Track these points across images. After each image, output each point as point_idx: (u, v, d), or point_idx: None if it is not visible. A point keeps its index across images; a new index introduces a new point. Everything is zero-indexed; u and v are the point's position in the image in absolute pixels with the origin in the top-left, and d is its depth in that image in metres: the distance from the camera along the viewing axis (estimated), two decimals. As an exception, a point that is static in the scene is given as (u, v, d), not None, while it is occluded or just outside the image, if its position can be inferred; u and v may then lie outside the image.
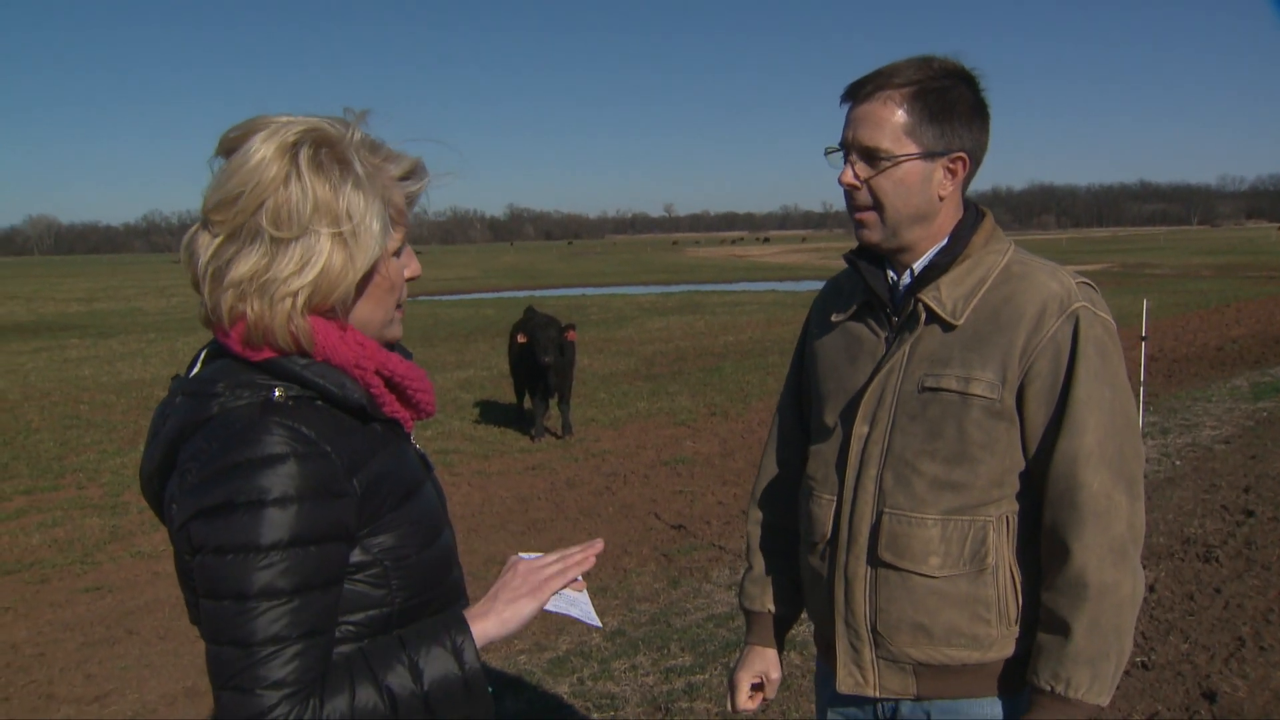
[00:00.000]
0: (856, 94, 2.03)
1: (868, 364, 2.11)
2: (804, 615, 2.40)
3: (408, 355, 1.79)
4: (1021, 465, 2.02)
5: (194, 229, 1.55)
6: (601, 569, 6.91)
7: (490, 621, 1.62)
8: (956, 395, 1.98)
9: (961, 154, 2.02)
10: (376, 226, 1.54)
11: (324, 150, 1.52)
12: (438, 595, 1.65)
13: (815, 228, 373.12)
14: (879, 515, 2.06)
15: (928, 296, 2.03)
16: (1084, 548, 1.93)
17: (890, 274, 2.13)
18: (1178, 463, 9.01)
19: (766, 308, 28.73)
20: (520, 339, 11.34)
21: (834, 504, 2.13)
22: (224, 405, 1.49)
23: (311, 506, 1.43)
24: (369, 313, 1.62)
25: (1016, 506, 2.04)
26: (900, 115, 1.98)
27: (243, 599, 1.40)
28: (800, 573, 2.30)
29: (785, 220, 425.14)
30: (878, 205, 2.03)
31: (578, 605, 1.75)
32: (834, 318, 2.22)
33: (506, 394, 13.58)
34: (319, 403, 1.53)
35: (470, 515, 8.40)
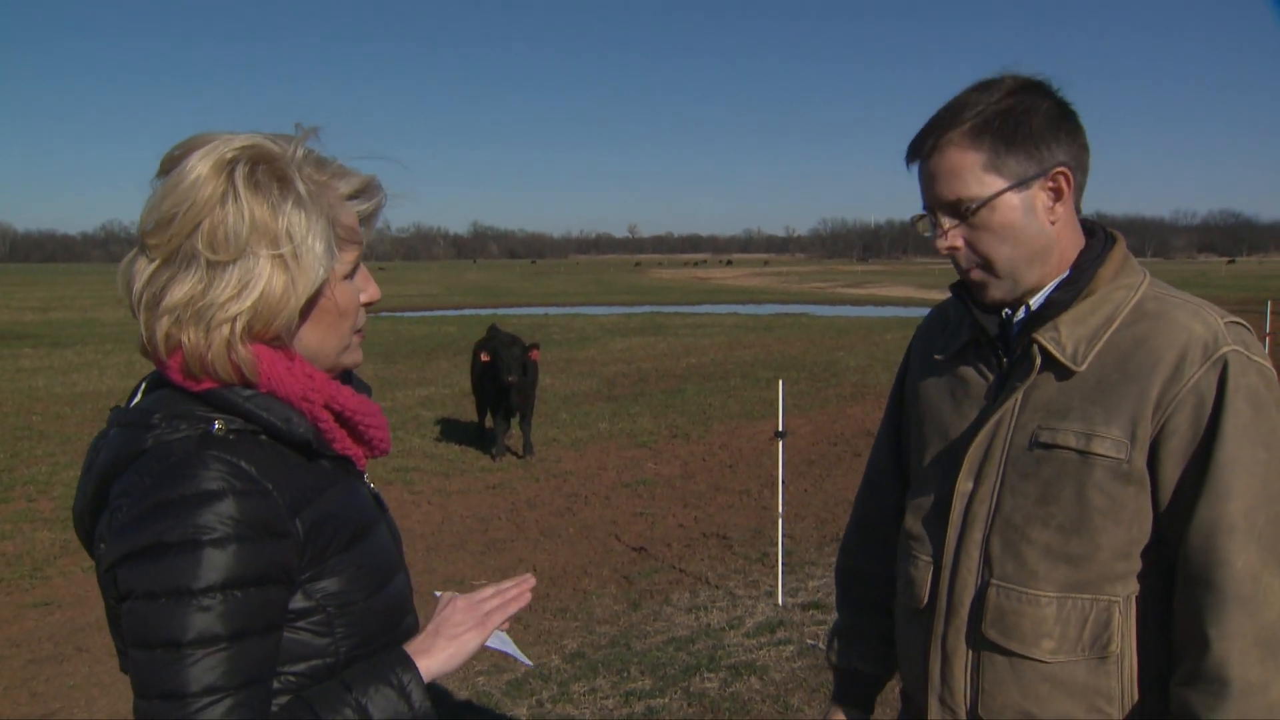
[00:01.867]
0: (921, 150, 1.79)
1: (973, 410, 1.87)
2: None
3: (365, 389, 1.71)
4: (1149, 536, 1.73)
5: (131, 254, 1.47)
6: (561, 590, 6.87)
7: (435, 658, 1.53)
8: (1075, 454, 1.71)
9: (1060, 168, 1.75)
10: (320, 248, 1.45)
11: (262, 167, 1.44)
12: (387, 644, 1.54)
13: (778, 251, 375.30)
14: (984, 585, 1.80)
15: (1044, 337, 1.76)
16: (1224, 637, 1.62)
17: (1005, 309, 1.87)
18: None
19: (729, 330, 28.77)
20: (484, 357, 11.29)
21: (932, 567, 1.89)
22: (159, 438, 1.40)
23: (250, 547, 1.34)
24: (320, 340, 1.53)
25: (1144, 585, 1.75)
26: (973, 155, 1.73)
27: (175, 647, 1.30)
28: (895, 633, 2.07)
29: (748, 244, 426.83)
30: (985, 261, 1.78)
31: (508, 644, 1.71)
32: (937, 356, 1.98)
33: (468, 412, 13.50)
34: (262, 437, 1.45)
35: (430, 534, 8.32)
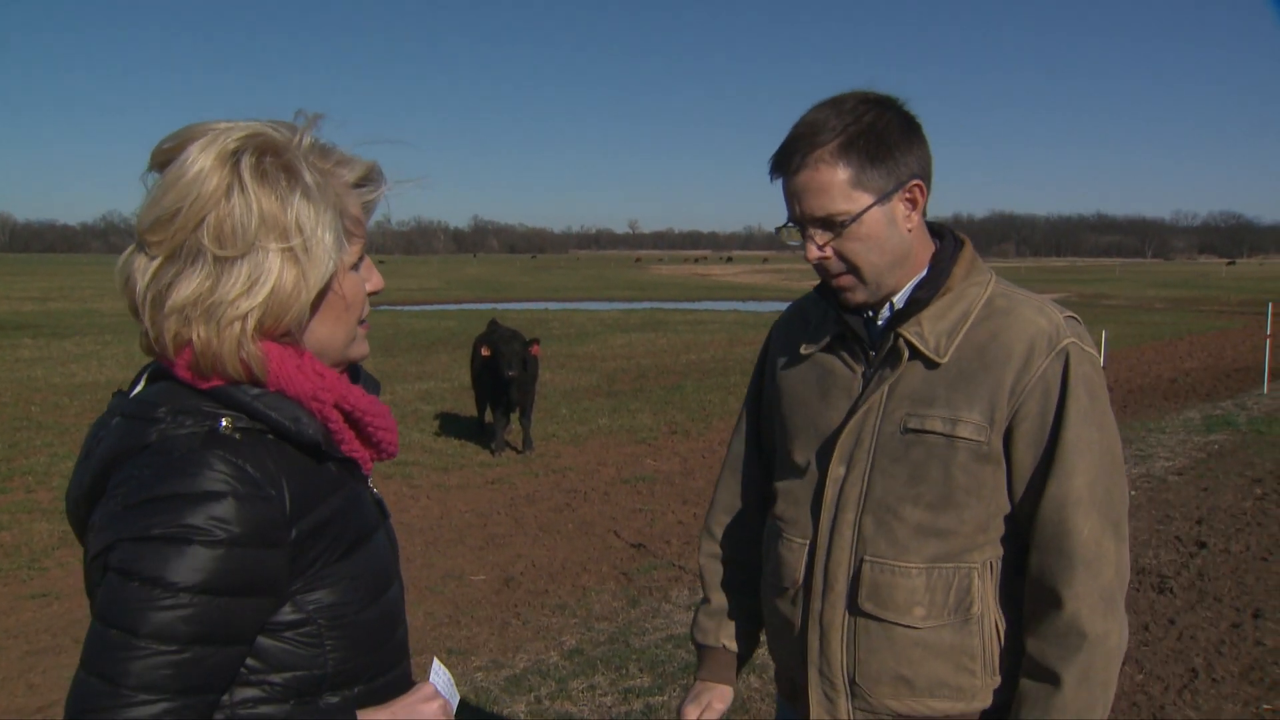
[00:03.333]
0: (786, 167, 1.91)
1: (842, 401, 2.00)
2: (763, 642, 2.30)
3: (375, 385, 1.67)
4: (1006, 509, 1.93)
5: (129, 251, 1.42)
6: (560, 586, 6.87)
7: None
8: (942, 438, 1.89)
9: (915, 181, 1.91)
10: (330, 239, 1.42)
11: (269, 158, 1.40)
12: (378, 657, 1.52)
13: (778, 249, 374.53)
14: (859, 563, 1.94)
15: (909, 332, 1.92)
16: (1075, 596, 1.84)
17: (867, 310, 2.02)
18: (1133, 493, 9.07)
19: (729, 327, 28.80)
20: (484, 352, 11.28)
21: (807, 548, 2.02)
22: (164, 432, 1.37)
23: (239, 554, 1.30)
24: (329, 333, 1.50)
25: (1000, 551, 1.95)
26: (840, 172, 1.86)
27: (131, 633, 1.26)
28: (764, 614, 2.19)
29: (748, 240, 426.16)
30: (853, 268, 1.92)
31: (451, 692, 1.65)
32: (803, 349, 2.09)
33: (467, 407, 13.49)
34: (270, 437, 1.41)
35: (428, 529, 8.32)
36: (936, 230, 2.04)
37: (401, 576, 1.64)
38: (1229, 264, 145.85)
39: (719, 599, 2.31)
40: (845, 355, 2.02)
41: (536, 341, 11.66)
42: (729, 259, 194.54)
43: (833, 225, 1.89)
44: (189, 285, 1.37)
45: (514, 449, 11.55)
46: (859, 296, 1.95)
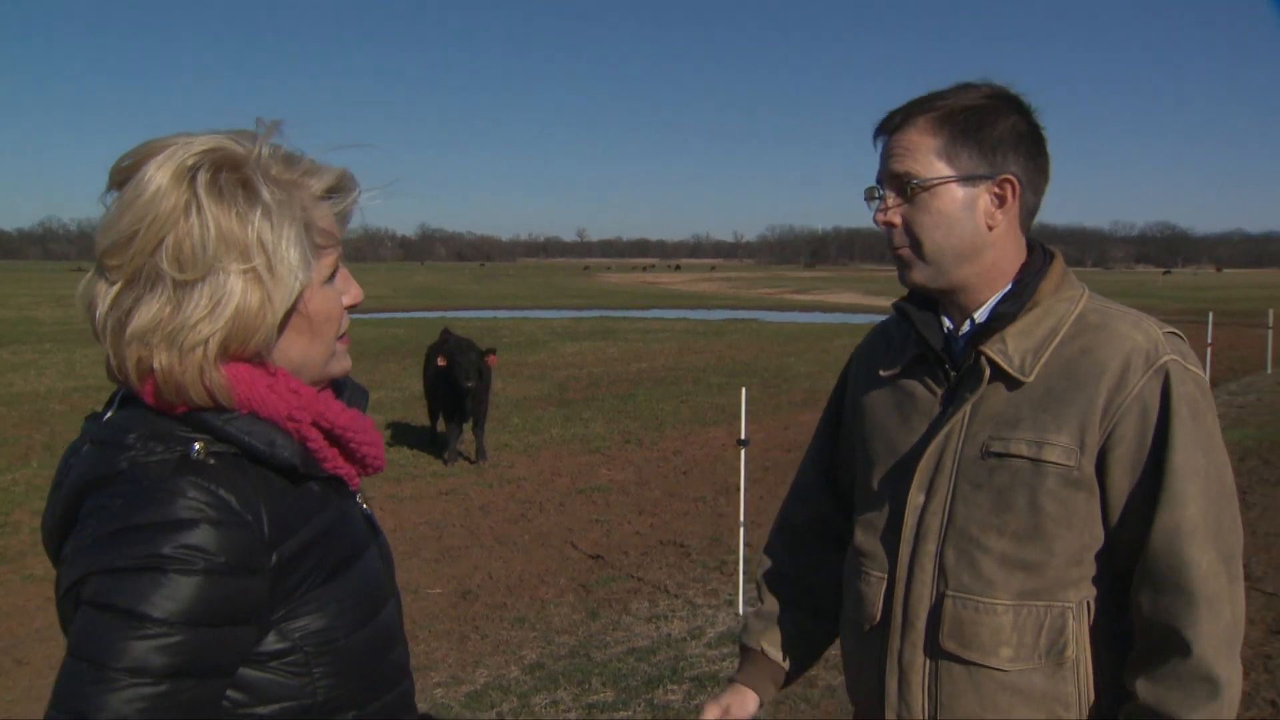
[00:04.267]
0: (888, 126, 1.84)
1: (922, 425, 1.87)
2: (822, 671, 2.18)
3: (362, 396, 1.61)
4: (1100, 542, 1.76)
5: (89, 276, 1.36)
6: (518, 600, 6.78)
7: None
8: (1027, 462, 1.73)
9: (1009, 177, 1.78)
10: (295, 256, 1.35)
11: (225, 173, 1.33)
12: (371, 682, 1.45)
13: (726, 257, 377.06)
14: (939, 597, 1.80)
15: (991, 349, 1.78)
16: (1200, 637, 1.65)
17: (946, 323, 1.89)
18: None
19: (679, 335, 28.80)
20: (440, 362, 11.16)
21: (885, 582, 1.88)
22: (134, 460, 1.31)
23: (218, 583, 1.25)
24: (304, 351, 1.43)
25: (1095, 591, 1.78)
26: (931, 139, 1.77)
27: (103, 667, 1.20)
28: (842, 654, 2.06)
29: (696, 249, 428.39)
30: (914, 241, 1.80)
31: None
32: (882, 372, 1.97)
33: (419, 416, 13.36)
34: (245, 461, 1.35)
35: (382, 541, 8.17)
36: (1028, 245, 1.90)
37: (399, 594, 1.59)
38: (1165, 273, 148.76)
39: (771, 604, 2.19)
40: (926, 377, 1.90)
41: (493, 351, 11.58)
42: (677, 267, 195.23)
43: (906, 188, 1.79)
44: (149, 310, 1.31)
45: (467, 459, 11.44)
46: (915, 276, 1.83)
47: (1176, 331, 1.79)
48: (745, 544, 6.71)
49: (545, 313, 42.11)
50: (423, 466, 11.17)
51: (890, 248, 1.85)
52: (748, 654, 2.17)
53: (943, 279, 1.82)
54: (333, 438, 1.45)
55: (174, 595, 1.22)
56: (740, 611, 6.27)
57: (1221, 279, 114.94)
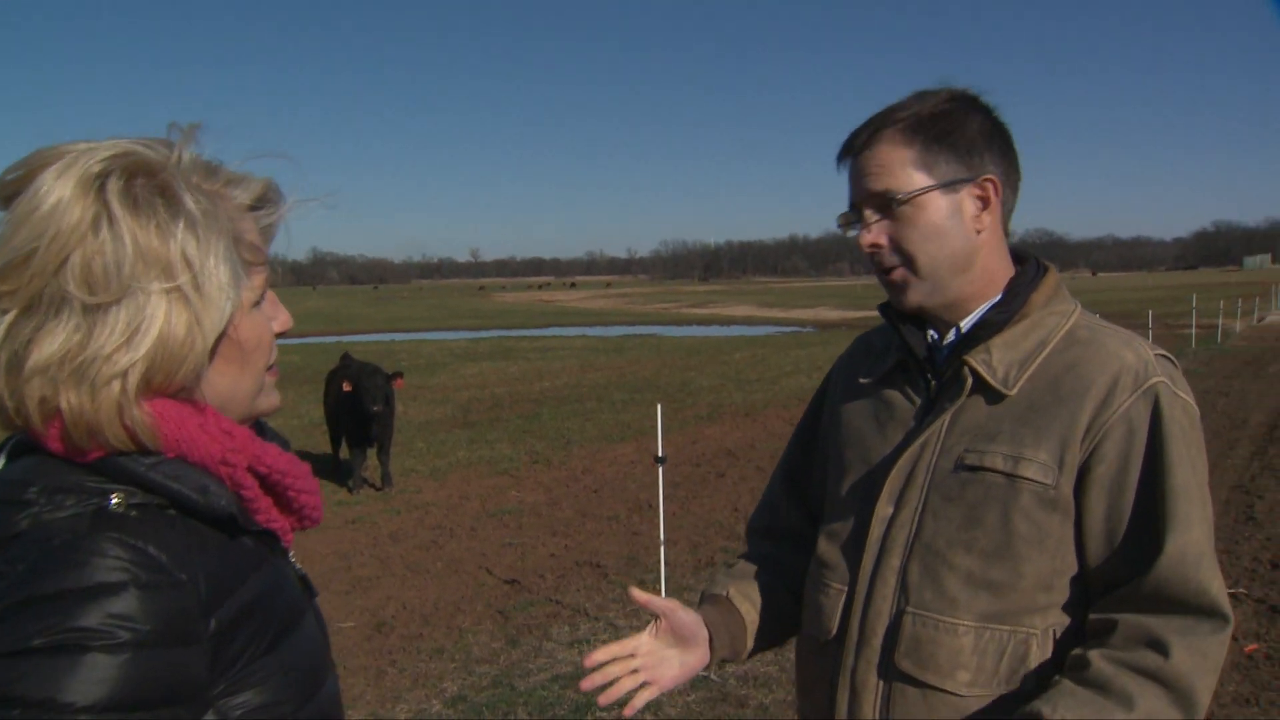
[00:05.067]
0: (854, 145, 1.75)
1: (897, 434, 1.79)
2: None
3: (283, 445, 1.41)
4: (1073, 569, 1.66)
5: None
6: (435, 630, 6.59)
7: None
8: (1002, 477, 1.65)
9: (990, 177, 1.72)
10: (225, 274, 1.18)
11: (140, 180, 1.16)
12: None
13: (620, 273, 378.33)
14: (899, 614, 1.70)
15: (975, 359, 1.71)
16: (1193, 652, 1.55)
17: (931, 332, 1.81)
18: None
19: (579, 353, 28.79)
20: (345, 386, 10.87)
21: (844, 595, 1.79)
22: (38, 517, 1.11)
23: (151, 657, 1.06)
24: (233, 383, 1.26)
25: (1066, 620, 1.67)
26: (904, 149, 1.70)
27: None
28: (796, 667, 1.98)
29: (591, 266, 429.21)
30: (907, 259, 1.72)
31: None
32: (863, 380, 1.89)
33: (319, 444, 13.03)
34: (171, 512, 1.16)
35: (289, 575, 7.90)
36: (1019, 255, 1.84)
37: (335, 668, 1.41)
38: (1085, 276, 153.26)
39: (746, 566, 2.04)
40: (907, 386, 1.82)
41: (400, 375, 11.35)
42: (573, 285, 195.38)
43: (888, 205, 1.70)
44: (53, 341, 1.13)
45: (372, 486, 11.18)
46: (914, 296, 1.74)
47: (1168, 355, 1.73)
48: (665, 562, 6.64)
49: (443, 334, 41.78)
50: (326, 496, 10.71)
51: (879, 271, 1.77)
52: (711, 599, 1.96)
53: (940, 294, 1.74)
54: (268, 485, 1.28)
55: (98, 677, 1.03)
56: (664, 631, 6.17)
57: (1097, 283, 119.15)
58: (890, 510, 1.75)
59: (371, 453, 11.31)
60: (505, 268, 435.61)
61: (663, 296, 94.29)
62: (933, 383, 1.78)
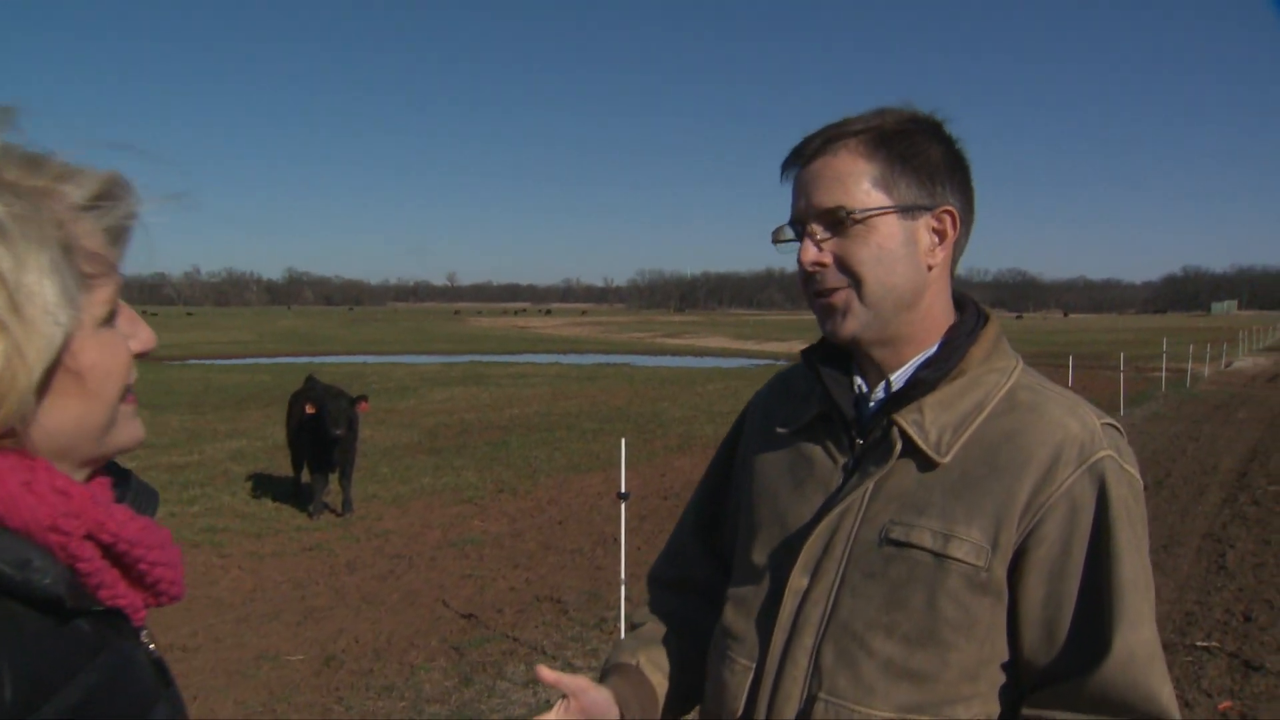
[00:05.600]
0: (802, 153, 1.58)
1: (817, 496, 1.61)
2: None
3: (150, 499, 1.19)
4: (1004, 656, 1.51)
5: None
6: (386, 665, 6.39)
7: None
8: (930, 555, 1.48)
9: (949, 208, 1.57)
10: (52, 291, 0.97)
11: None
12: None
13: (596, 301, 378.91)
14: (810, 700, 1.52)
15: (906, 420, 1.53)
16: None
17: (859, 382, 1.63)
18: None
19: (551, 380, 28.60)
20: (308, 409, 10.67)
21: (751, 673, 1.61)
22: None
23: None
24: (77, 420, 1.04)
25: (995, 710, 1.51)
26: (864, 164, 1.54)
27: None
28: None
29: (567, 293, 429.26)
30: (854, 281, 1.54)
31: None
32: (780, 429, 1.71)
33: (282, 467, 12.80)
34: None
35: (240, 603, 7.69)
36: (958, 301, 1.67)
37: None
38: (1017, 318, 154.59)
39: (653, 629, 1.85)
40: (829, 441, 1.63)
41: (364, 398, 11.15)
42: (548, 311, 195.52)
43: (839, 222, 1.53)
44: None
45: (333, 512, 10.95)
46: (851, 325, 1.56)
47: (1114, 424, 1.56)
48: (626, 599, 6.48)
49: (415, 358, 41.52)
50: (285, 520, 10.65)
51: (816, 295, 1.58)
52: (620, 670, 1.78)
53: (879, 328, 1.57)
54: (115, 555, 1.07)
55: None
56: (621, 673, 5.99)
57: (1068, 323, 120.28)
58: (805, 582, 1.57)
59: (333, 478, 11.10)
60: (482, 292, 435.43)
61: (638, 326, 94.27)
62: (858, 441, 1.60)
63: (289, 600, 7.83)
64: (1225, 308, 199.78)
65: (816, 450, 1.64)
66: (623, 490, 6.24)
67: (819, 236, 1.55)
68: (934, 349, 1.59)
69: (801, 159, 1.59)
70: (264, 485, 12.43)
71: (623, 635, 5.98)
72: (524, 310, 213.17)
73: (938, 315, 1.60)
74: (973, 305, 1.65)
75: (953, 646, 1.48)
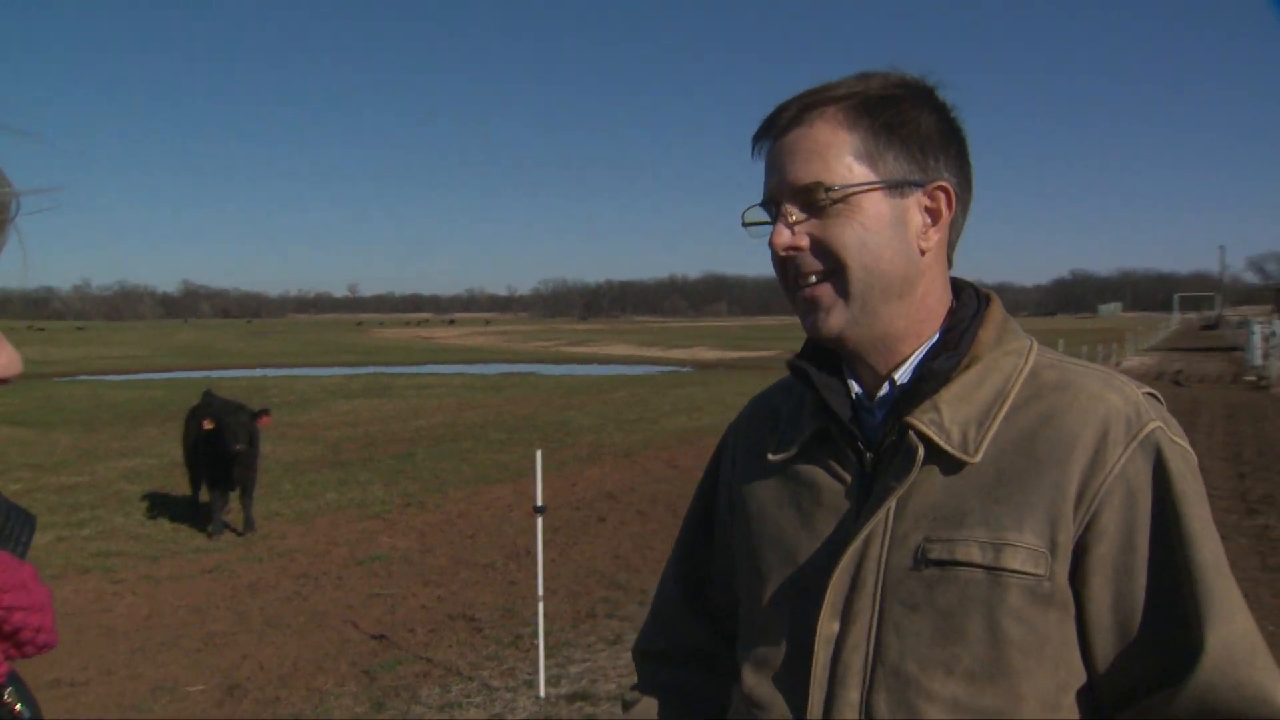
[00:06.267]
0: (774, 125, 1.40)
1: (829, 525, 1.39)
2: None
3: (24, 525, 0.99)
4: (1082, 677, 1.30)
5: None
6: (292, 692, 6.10)
7: None
8: (982, 571, 1.27)
9: (943, 184, 1.39)
10: None
11: None
12: None
13: (500, 310, 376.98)
14: None
15: (922, 421, 1.34)
16: None
17: (855, 387, 1.44)
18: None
19: (457, 391, 28.30)
20: (206, 425, 10.26)
21: None
22: None
23: None
24: None
25: None
26: (845, 134, 1.35)
27: None
28: None
29: (470, 303, 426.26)
30: (835, 268, 1.35)
31: None
32: (771, 456, 1.49)
33: (179, 485, 12.34)
34: None
35: (135, 631, 7.31)
36: (955, 285, 1.48)
37: None
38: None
39: (645, 705, 1.67)
40: (832, 461, 1.42)
41: (267, 413, 10.77)
42: (452, 321, 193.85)
43: (816, 201, 1.34)
44: None
45: (234, 531, 10.54)
46: (835, 320, 1.37)
47: (1154, 393, 1.38)
48: (543, 615, 6.28)
49: (317, 370, 40.83)
50: (183, 542, 10.22)
51: (792, 285, 1.40)
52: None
53: (867, 323, 1.38)
54: None
55: None
56: (542, 694, 5.79)
57: None
58: (836, 627, 1.35)
59: (234, 495, 10.70)
60: (384, 303, 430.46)
61: (542, 334, 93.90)
62: (867, 455, 1.40)
63: (188, 626, 7.46)
64: (1111, 309, 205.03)
65: (819, 474, 1.43)
66: (539, 503, 6.03)
67: (793, 218, 1.36)
68: (936, 337, 1.41)
69: (774, 131, 1.40)
70: (160, 505, 11.95)
71: (541, 653, 5.81)
72: (427, 320, 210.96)
73: (934, 306, 1.42)
74: (970, 288, 1.48)
75: (1025, 674, 1.27)
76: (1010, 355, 1.39)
